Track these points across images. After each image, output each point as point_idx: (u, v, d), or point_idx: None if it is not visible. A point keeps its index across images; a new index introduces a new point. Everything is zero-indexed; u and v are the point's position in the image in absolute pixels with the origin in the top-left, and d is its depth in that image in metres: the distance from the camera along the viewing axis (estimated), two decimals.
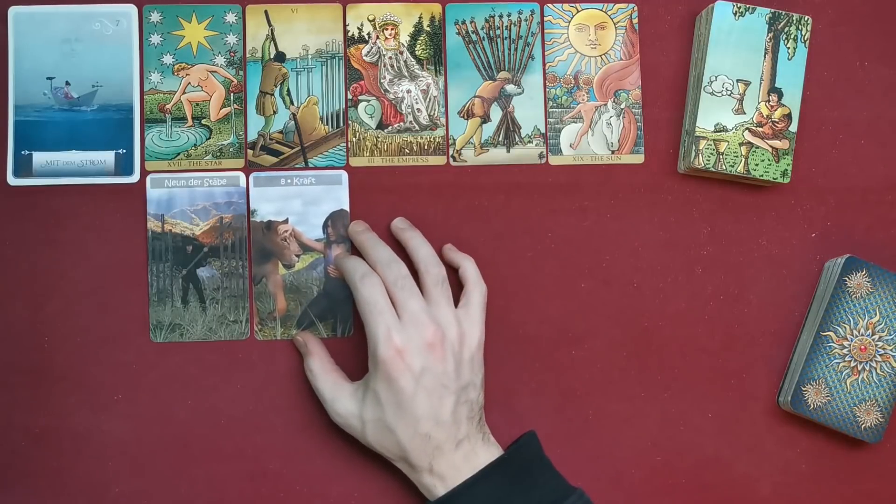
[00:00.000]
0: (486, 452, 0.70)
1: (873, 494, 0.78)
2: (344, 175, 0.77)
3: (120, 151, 0.76)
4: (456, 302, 0.72)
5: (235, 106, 0.77)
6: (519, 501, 0.68)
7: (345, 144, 0.78)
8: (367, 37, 0.78)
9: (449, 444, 0.69)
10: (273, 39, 0.78)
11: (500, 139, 0.78)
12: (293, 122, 0.77)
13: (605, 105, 0.79)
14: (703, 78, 0.76)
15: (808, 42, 0.77)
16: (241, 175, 0.77)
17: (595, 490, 0.73)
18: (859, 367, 0.75)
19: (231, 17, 0.78)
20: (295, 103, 0.78)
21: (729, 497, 0.78)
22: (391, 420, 0.68)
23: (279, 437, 0.75)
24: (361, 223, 0.76)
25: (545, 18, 0.80)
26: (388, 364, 0.68)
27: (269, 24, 0.78)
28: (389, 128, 0.78)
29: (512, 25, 0.79)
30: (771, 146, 0.77)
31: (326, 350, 0.74)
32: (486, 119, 0.79)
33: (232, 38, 0.78)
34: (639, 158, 0.79)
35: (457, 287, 0.74)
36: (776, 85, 0.77)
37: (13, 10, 0.76)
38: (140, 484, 0.74)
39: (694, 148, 0.76)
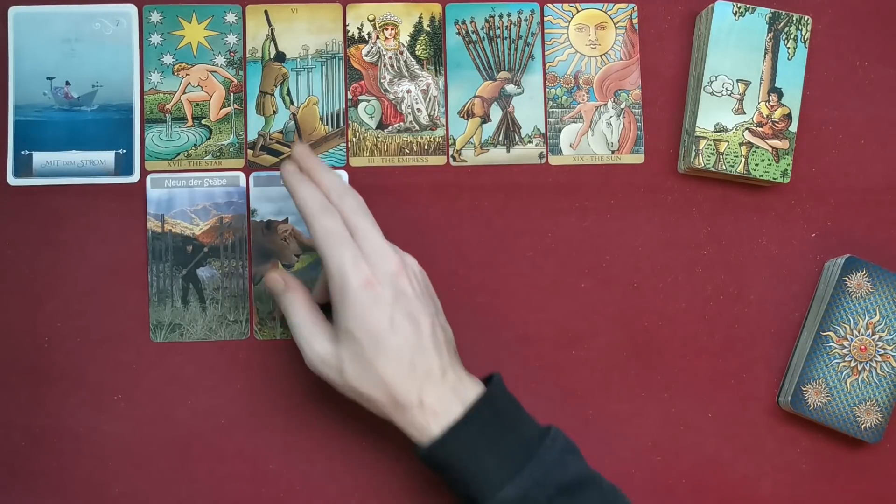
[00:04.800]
0: (472, 384, 0.67)
1: (873, 494, 0.78)
2: (344, 175, 0.77)
3: (120, 151, 0.76)
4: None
5: (235, 106, 0.77)
6: (510, 437, 0.65)
7: (345, 144, 0.78)
8: (367, 37, 0.78)
9: (436, 373, 0.65)
10: (273, 39, 0.78)
11: (500, 139, 0.78)
12: (293, 122, 0.77)
13: (605, 105, 0.79)
14: (703, 78, 0.76)
15: (808, 42, 0.77)
16: (241, 175, 0.77)
17: None
18: (859, 367, 0.75)
19: (231, 17, 0.78)
20: (295, 103, 0.78)
21: (729, 497, 0.78)
22: (370, 354, 0.64)
23: (279, 437, 0.75)
24: (304, 146, 0.69)
25: (545, 18, 0.80)
26: (360, 295, 0.64)
27: (269, 24, 0.78)
28: (389, 128, 0.78)
29: (512, 25, 0.79)
30: (771, 146, 0.77)
31: (308, 291, 0.70)
32: (486, 119, 0.79)
33: (232, 38, 0.78)
34: (639, 158, 0.79)
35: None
36: (776, 85, 0.77)
37: (13, 10, 0.76)
38: (140, 484, 0.74)
39: (694, 148, 0.76)
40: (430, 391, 0.65)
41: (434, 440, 0.65)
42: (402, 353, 0.65)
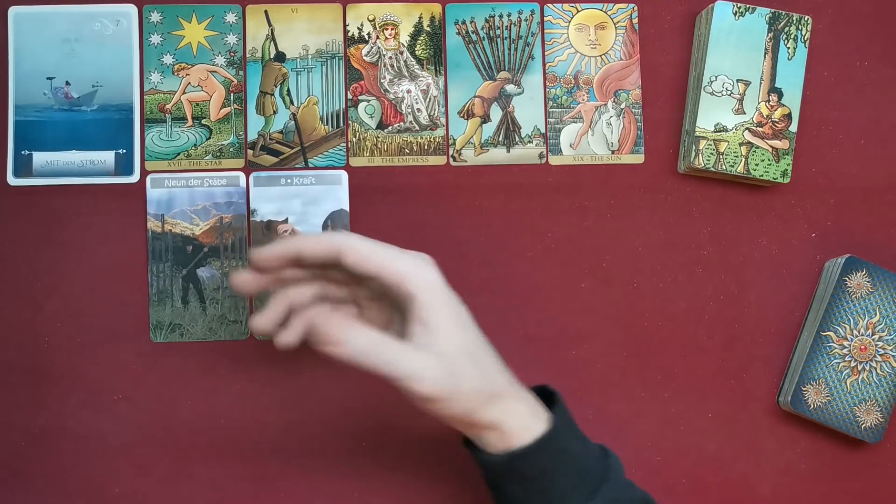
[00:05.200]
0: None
1: (873, 494, 0.78)
2: (344, 175, 0.77)
3: (120, 151, 0.76)
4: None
5: (235, 106, 0.77)
6: (583, 454, 0.63)
7: (345, 144, 0.78)
8: (367, 37, 0.78)
9: (508, 372, 0.64)
10: (273, 39, 0.78)
11: (500, 139, 0.78)
12: (293, 122, 0.77)
13: (605, 105, 0.79)
14: (703, 78, 0.76)
15: (808, 42, 0.77)
16: (241, 175, 0.77)
17: None
18: (859, 367, 0.75)
19: (231, 17, 0.78)
20: (295, 103, 0.78)
21: (729, 497, 0.77)
22: (473, 347, 0.61)
23: (279, 437, 0.75)
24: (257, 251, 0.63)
25: (545, 18, 0.80)
26: (445, 288, 0.60)
27: (269, 24, 0.78)
28: (389, 128, 0.78)
29: (512, 25, 0.79)
30: (771, 146, 0.77)
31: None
32: (486, 119, 0.79)
33: (232, 38, 0.78)
34: (639, 158, 0.79)
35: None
36: (776, 85, 0.77)
37: (13, 10, 0.76)
38: (140, 484, 0.74)
39: (694, 148, 0.76)
40: (516, 384, 0.63)
41: (523, 446, 0.61)
42: (488, 345, 0.63)
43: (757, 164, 0.76)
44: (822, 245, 0.79)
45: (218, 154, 0.77)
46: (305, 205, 0.77)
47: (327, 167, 0.77)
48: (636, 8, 0.80)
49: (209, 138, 0.77)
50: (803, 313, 0.79)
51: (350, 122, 0.78)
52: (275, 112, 0.77)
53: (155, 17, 0.77)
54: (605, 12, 0.80)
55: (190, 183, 0.76)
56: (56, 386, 0.74)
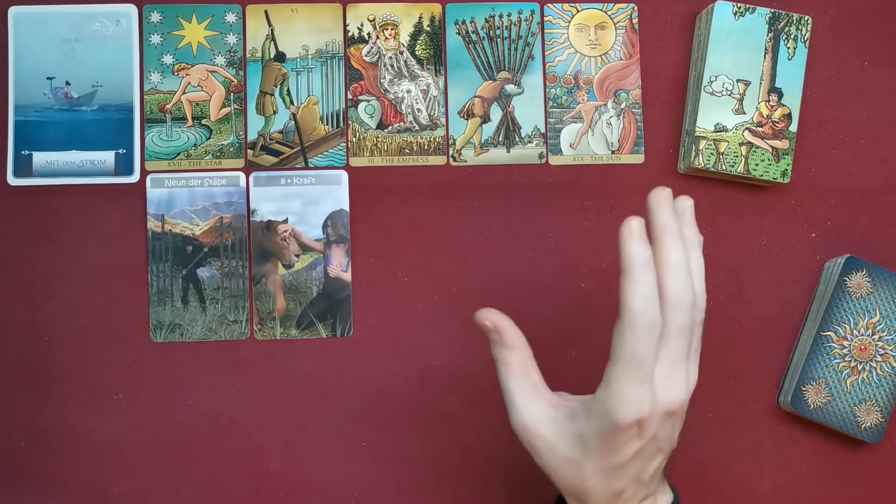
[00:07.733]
0: (663, 498, 0.63)
1: (873, 494, 0.78)
2: (344, 175, 0.77)
3: (120, 151, 0.76)
4: None
5: (235, 106, 0.77)
6: None
7: (345, 144, 0.78)
8: (367, 37, 0.78)
9: (636, 499, 0.61)
10: (273, 39, 0.78)
11: (500, 139, 0.78)
12: (293, 122, 0.77)
13: (605, 105, 0.79)
14: (703, 78, 0.76)
15: (808, 42, 0.77)
16: (241, 175, 0.77)
17: None
18: (859, 367, 0.75)
19: (231, 17, 0.78)
20: (295, 103, 0.78)
21: (729, 497, 0.77)
22: (589, 467, 0.59)
23: (279, 437, 0.75)
24: (663, 192, 0.60)
25: (545, 18, 0.80)
26: (622, 433, 0.58)
27: (269, 24, 0.78)
28: (389, 128, 0.78)
29: (512, 25, 0.79)
30: (771, 146, 0.77)
31: (526, 341, 0.64)
32: (486, 119, 0.79)
33: (232, 38, 0.78)
34: (639, 158, 0.79)
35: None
36: (776, 85, 0.77)
37: (13, 10, 0.76)
38: (140, 484, 0.74)
39: (694, 148, 0.76)
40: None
41: None
42: (618, 483, 0.59)
43: (757, 164, 0.76)
44: (822, 245, 0.79)
45: (218, 154, 0.77)
46: (305, 205, 0.77)
47: (327, 167, 0.77)
48: (636, 8, 0.80)
49: (209, 138, 0.77)
50: (803, 313, 0.79)
51: (350, 122, 0.78)
52: (275, 112, 0.77)
53: (155, 17, 0.77)
54: (605, 12, 0.80)
55: (190, 183, 0.76)
56: (56, 386, 0.74)
